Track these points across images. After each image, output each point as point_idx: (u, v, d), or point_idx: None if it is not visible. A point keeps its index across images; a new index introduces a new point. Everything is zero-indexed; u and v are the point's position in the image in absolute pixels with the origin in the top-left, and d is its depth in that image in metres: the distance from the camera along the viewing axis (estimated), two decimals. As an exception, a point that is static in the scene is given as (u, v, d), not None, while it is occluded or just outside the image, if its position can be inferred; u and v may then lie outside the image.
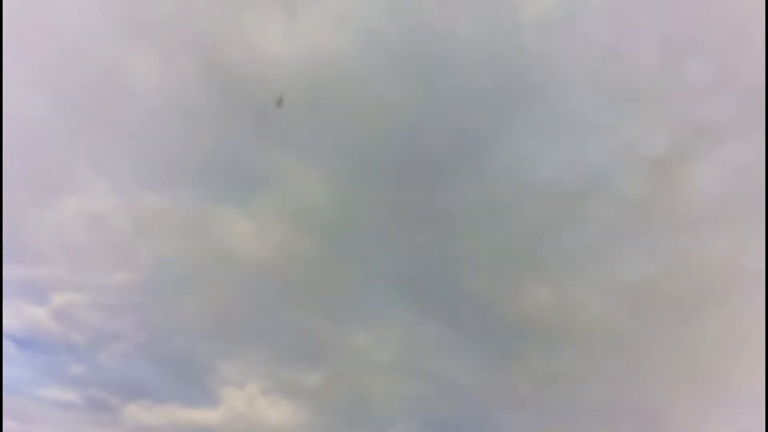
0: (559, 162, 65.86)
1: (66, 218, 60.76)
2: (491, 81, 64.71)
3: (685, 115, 64.99)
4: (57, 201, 60.67)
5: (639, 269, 65.33)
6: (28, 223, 59.64)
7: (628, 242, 65.95)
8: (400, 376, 61.37)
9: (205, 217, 62.87)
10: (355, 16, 62.60)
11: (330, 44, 62.40)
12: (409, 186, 64.25)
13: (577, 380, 61.72)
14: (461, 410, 61.54)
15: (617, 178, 65.75)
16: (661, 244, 65.96)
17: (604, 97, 64.12)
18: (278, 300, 62.39)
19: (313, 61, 62.16)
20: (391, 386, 61.96)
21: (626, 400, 61.29)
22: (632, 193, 65.61)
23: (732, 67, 64.06)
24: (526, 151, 65.35)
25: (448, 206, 64.59)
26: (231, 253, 62.45)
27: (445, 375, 62.85)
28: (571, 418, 59.44)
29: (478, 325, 64.14)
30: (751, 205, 65.37)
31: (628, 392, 61.68)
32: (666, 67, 64.08)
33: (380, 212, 64.00)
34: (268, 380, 59.67)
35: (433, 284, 63.24)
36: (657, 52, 63.83)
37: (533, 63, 64.15)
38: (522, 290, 64.90)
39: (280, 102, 50.49)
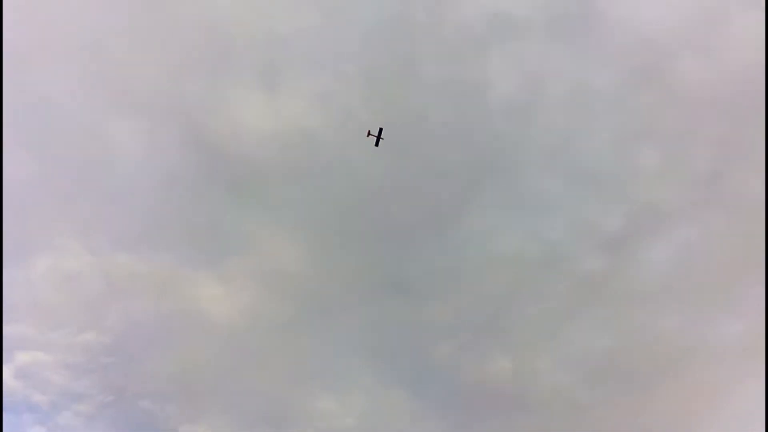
0: (521, 236, 69.55)
1: (38, 277, 61.44)
2: (459, 159, 68.96)
3: (639, 197, 69.46)
4: (31, 259, 61.49)
5: (596, 341, 68.00)
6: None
7: (586, 315, 68.83)
8: (364, 443, 62.02)
9: (178, 279, 64.13)
10: (333, 95, 66.73)
11: (308, 119, 66.16)
12: (379, 255, 67.10)
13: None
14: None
15: (575, 253, 69.40)
16: (617, 318, 68.87)
17: (563, 178, 68.83)
18: (245, 364, 63.19)
19: (291, 134, 65.71)
20: (354, 452, 62.39)
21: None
22: (589, 267, 69.12)
23: (681, 155, 69.29)
24: (491, 225, 69.05)
25: (415, 275, 67.40)
26: (201, 316, 63.57)
27: (408, 442, 63.68)
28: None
29: (441, 392, 65.51)
30: (700, 282, 69.61)
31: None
32: (620, 153, 69.12)
33: (350, 279, 66.20)
34: (231, 447, 59.77)
35: (399, 351, 65.06)
36: (611, 139, 68.97)
37: (498, 144, 68.84)
38: (485, 359, 66.81)
39: (375, 135, 52.92)
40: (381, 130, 52.68)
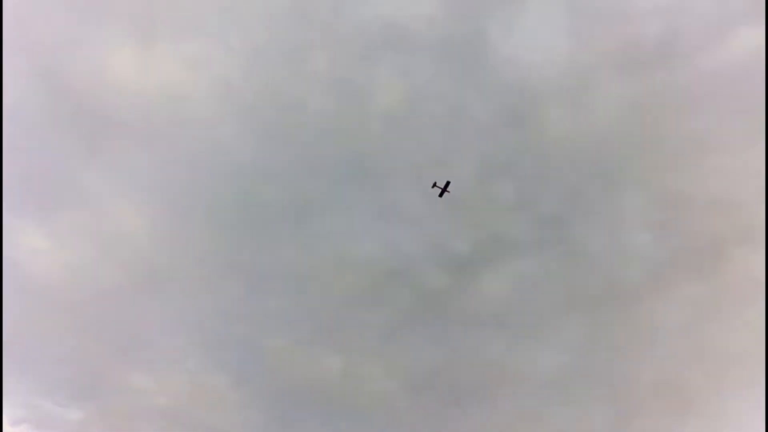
0: (375, 244, 70.77)
1: None
2: (331, 156, 68.92)
3: (489, 227, 73.38)
4: None
5: (427, 354, 70.75)
6: None
7: (422, 328, 71.43)
8: (173, 424, 60.11)
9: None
10: (211, 63, 63.98)
11: (181, 85, 62.92)
12: (228, 239, 65.05)
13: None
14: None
15: (423, 269, 71.93)
16: (449, 336, 72.25)
17: (424, 196, 70.93)
18: (60, 326, 59.00)
19: (160, 96, 62.10)
20: (160, 434, 60.24)
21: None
22: (433, 285, 71.90)
23: (532, 195, 74.20)
24: (348, 227, 69.68)
25: (263, 265, 66.20)
26: (18, 268, 58.31)
27: (223, 429, 62.70)
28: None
29: (267, 385, 65.04)
30: (530, 313, 74.96)
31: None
32: (480, 181, 72.50)
33: (192, 259, 63.78)
34: (22, 410, 55.43)
35: (230, 339, 63.63)
36: (475, 167, 72.13)
37: (371, 150, 69.39)
38: (316, 358, 67.30)
39: (440, 188, 50.87)
40: (448, 183, 51.37)
